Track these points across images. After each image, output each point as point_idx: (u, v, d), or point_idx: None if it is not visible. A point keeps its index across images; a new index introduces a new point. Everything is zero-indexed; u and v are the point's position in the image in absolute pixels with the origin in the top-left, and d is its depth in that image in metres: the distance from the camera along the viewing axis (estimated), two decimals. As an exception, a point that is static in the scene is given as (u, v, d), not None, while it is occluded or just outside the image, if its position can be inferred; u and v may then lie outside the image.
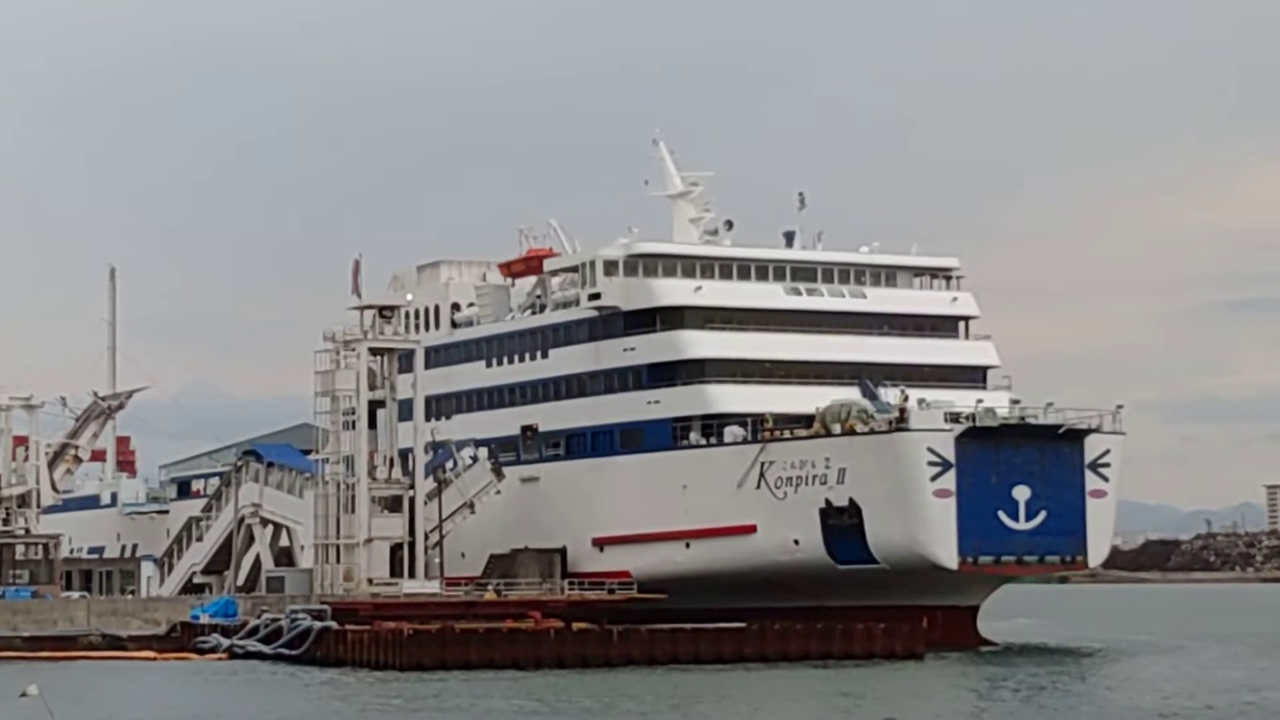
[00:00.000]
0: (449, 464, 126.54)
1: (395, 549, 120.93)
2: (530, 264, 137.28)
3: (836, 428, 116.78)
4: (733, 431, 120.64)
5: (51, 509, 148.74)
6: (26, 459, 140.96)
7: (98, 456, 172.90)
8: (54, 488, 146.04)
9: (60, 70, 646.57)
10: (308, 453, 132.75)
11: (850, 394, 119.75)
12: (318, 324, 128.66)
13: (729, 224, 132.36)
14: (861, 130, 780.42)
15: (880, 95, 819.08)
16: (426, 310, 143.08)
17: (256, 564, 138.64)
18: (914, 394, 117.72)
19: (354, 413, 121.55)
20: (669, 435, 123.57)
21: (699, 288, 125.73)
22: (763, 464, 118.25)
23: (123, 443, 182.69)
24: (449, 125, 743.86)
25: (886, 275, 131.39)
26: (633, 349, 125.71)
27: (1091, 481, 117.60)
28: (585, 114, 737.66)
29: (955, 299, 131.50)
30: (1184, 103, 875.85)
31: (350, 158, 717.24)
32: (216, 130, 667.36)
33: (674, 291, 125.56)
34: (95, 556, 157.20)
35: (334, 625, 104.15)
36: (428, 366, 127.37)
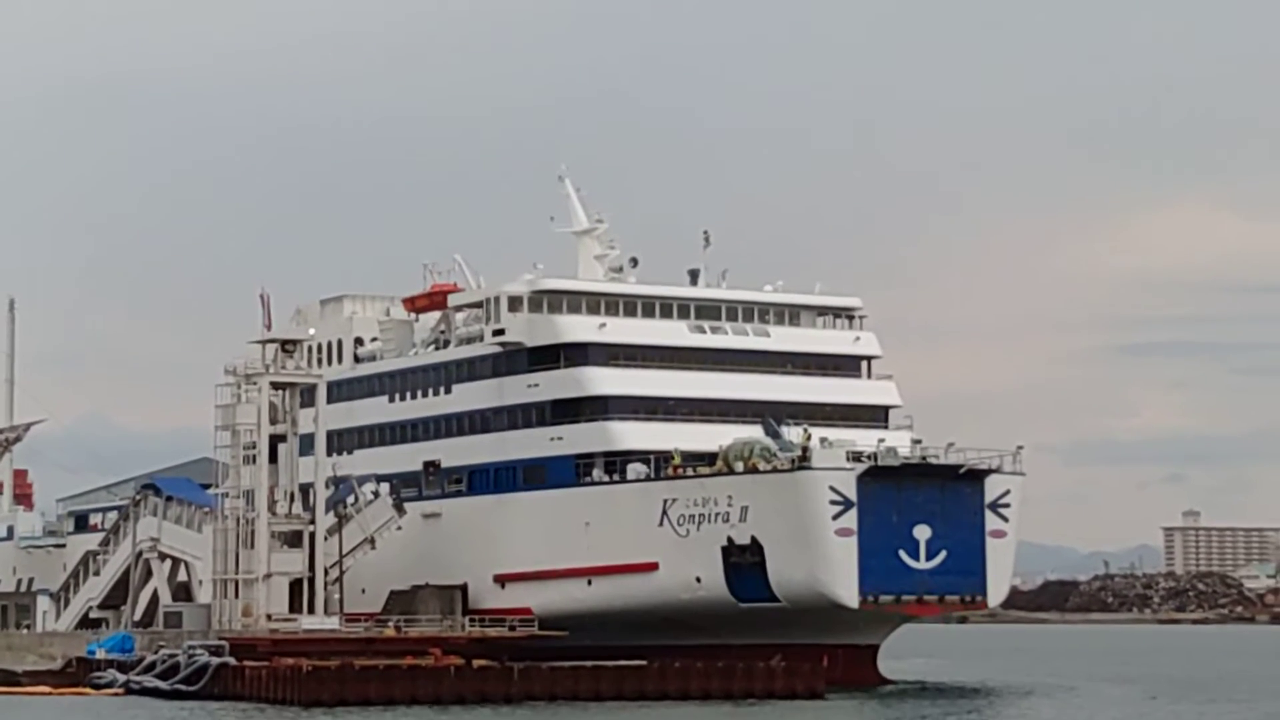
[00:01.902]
0: (350, 499, 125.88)
1: (295, 584, 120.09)
2: (434, 299, 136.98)
3: (739, 465, 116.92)
4: (636, 469, 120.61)
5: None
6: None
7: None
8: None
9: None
10: (207, 487, 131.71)
11: (753, 432, 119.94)
12: (216, 358, 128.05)
13: (634, 261, 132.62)
14: (766, 170, 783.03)
15: (786, 135, 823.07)
16: (329, 344, 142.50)
17: (154, 599, 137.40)
18: (816, 433, 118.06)
19: (255, 447, 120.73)
20: (572, 472, 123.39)
21: (603, 325, 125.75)
22: (665, 501, 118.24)
23: (20, 475, 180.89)
24: (353, 160, 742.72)
25: (790, 314, 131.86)
26: (536, 385, 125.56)
27: (991, 522, 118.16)
28: (490, 150, 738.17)
29: (858, 339, 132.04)
30: (1080, 147, 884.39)
31: (253, 192, 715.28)
32: (117, 164, 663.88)
33: (578, 328, 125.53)
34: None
35: (232, 661, 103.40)
36: (330, 401, 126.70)
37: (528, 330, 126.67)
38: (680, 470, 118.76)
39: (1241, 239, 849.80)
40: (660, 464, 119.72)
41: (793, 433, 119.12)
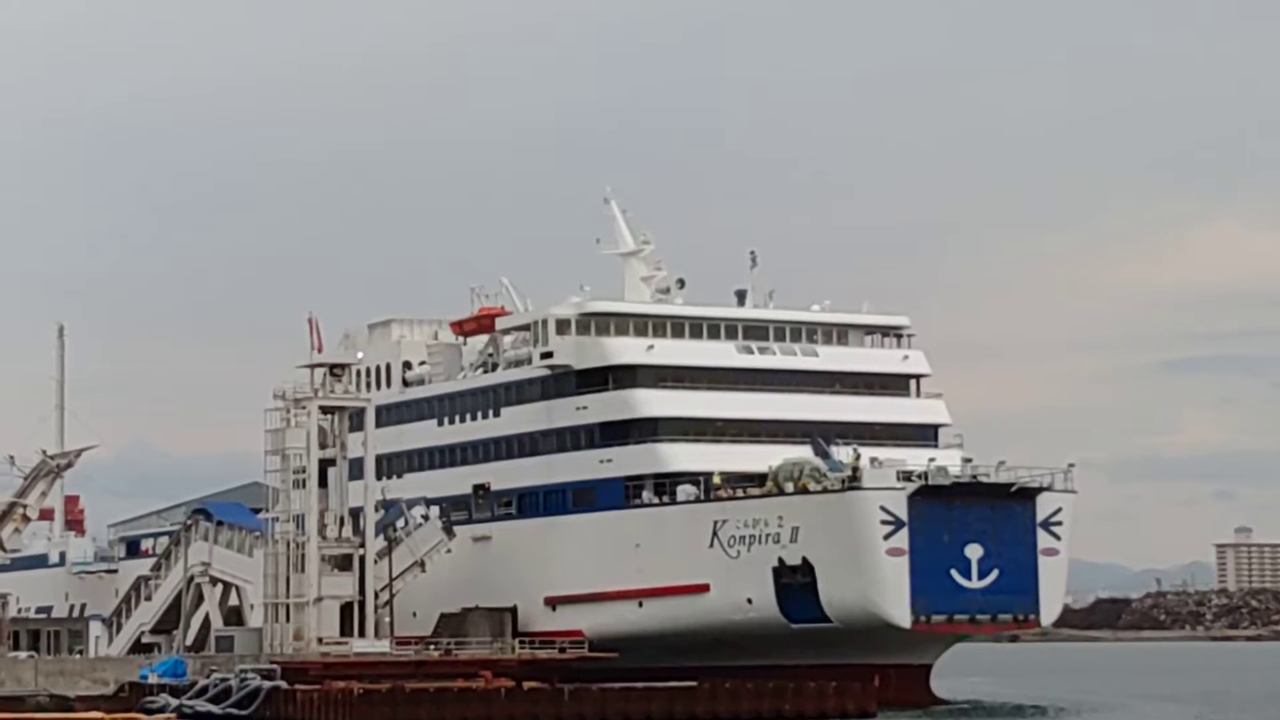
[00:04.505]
0: (399, 522, 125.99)
1: (345, 608, 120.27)
2: (482, 322, 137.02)
3: (789, 486, 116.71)
4: (685, 490, 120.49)
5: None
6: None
7: (46, 515, 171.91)
8: (2, 547, 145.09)
9: None
10: (258, 511, 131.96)
11: (803, 452, 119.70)
12: (265, 382, 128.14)
13: (681, 282, 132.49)
14: (809, 192, 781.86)
15: (827, 157, 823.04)
16: (378, 368, 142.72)
17: (206, 623, 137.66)
18: (866, 452, 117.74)
19: (304, 471, 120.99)
20: (621, 494, 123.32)
21: (651, 346, 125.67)
22: (716, 522, 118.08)
23: (71, 501, 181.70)
24: (400, 183, 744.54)
25: (838, 333, 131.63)
26: (585, 408, 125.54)
27: (1043, 540, 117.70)
28: (537, 172, 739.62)
29: (906, 357, 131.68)
30: (1124, 163, 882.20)
31: (300, 216, 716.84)
32: (163, 188, 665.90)
33: (626, 350, 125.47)
34: (43, 616, 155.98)
35: (283, 685, 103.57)
36: (379, 425, 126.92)
37: (576, 353, 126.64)
38: (729, 491, 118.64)
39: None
40: (710, 485, 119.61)
41: (842, 453, 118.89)
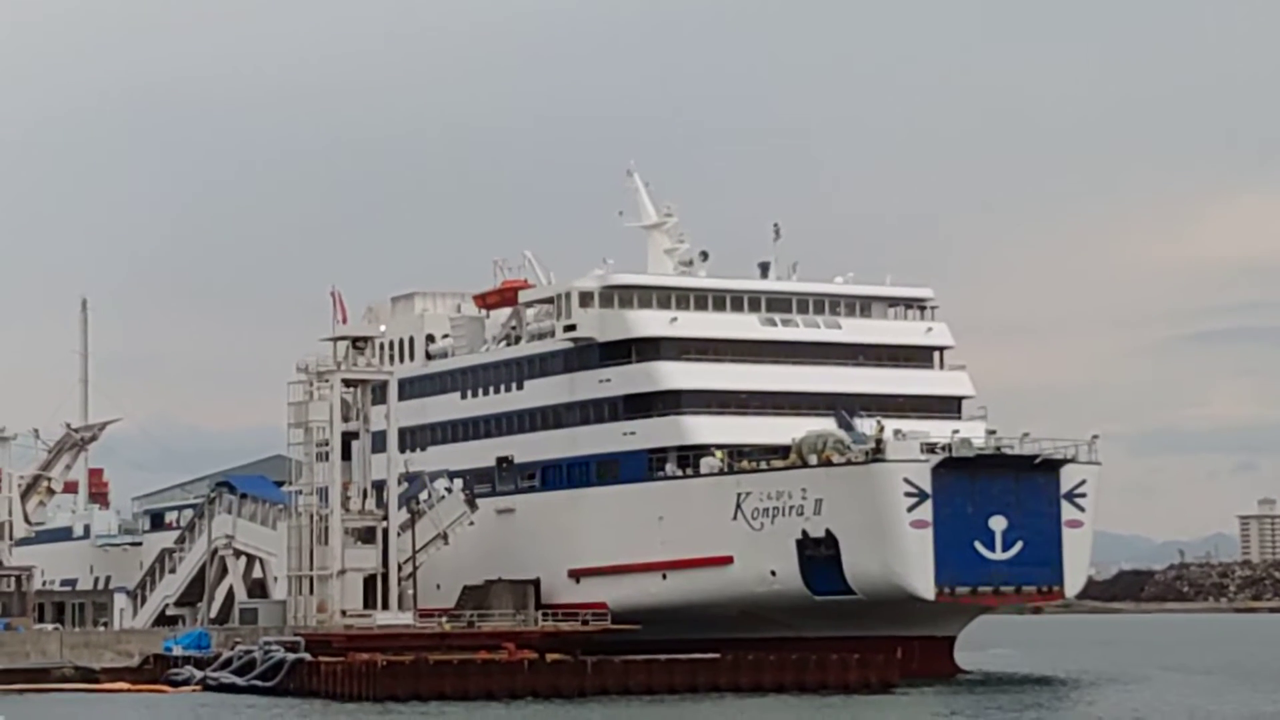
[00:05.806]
0: (423, 495, 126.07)
1: (369, 580, 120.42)
2: (505, 295, 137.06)
3: (813, 458, 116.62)
4: (709, 463, 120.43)
5: (24, 541, 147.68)
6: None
7: (70, 488, 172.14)
8: (26, 520, 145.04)
9: (31, 109, 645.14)
10: (281, 484, 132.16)
11: (826, 425, 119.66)
12: (288, 356, 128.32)
13: (704, 255, 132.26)
14: (819, 179, 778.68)
15: (839, 142, 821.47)
16: (401, 341, 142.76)
17: (230, 596, 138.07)
18: (890, 424, 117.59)
19: (327, 444, 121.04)
20: (645, 466, 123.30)
21: (674, 319, 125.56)
22: (739, 495, 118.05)
23: (95, 474, 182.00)
24: (424, 157, 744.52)
25: (861, 306, 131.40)
26: (608, 380, 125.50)
27: (1067, 512, 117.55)
28: (560, 145, 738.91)
29: (930, 329, 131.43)
30: (1145, 135, 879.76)
31: (323, 190, 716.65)
32: (187, 164, 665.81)
33: (649, 323, 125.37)
34: (68, 588, 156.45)
35: (307, 657, 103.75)
36: (402, 398, 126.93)
37: (599, 325, 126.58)
38: (749, 464, 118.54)
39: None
40: (733, 457, 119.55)
41: (866, 425, 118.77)
